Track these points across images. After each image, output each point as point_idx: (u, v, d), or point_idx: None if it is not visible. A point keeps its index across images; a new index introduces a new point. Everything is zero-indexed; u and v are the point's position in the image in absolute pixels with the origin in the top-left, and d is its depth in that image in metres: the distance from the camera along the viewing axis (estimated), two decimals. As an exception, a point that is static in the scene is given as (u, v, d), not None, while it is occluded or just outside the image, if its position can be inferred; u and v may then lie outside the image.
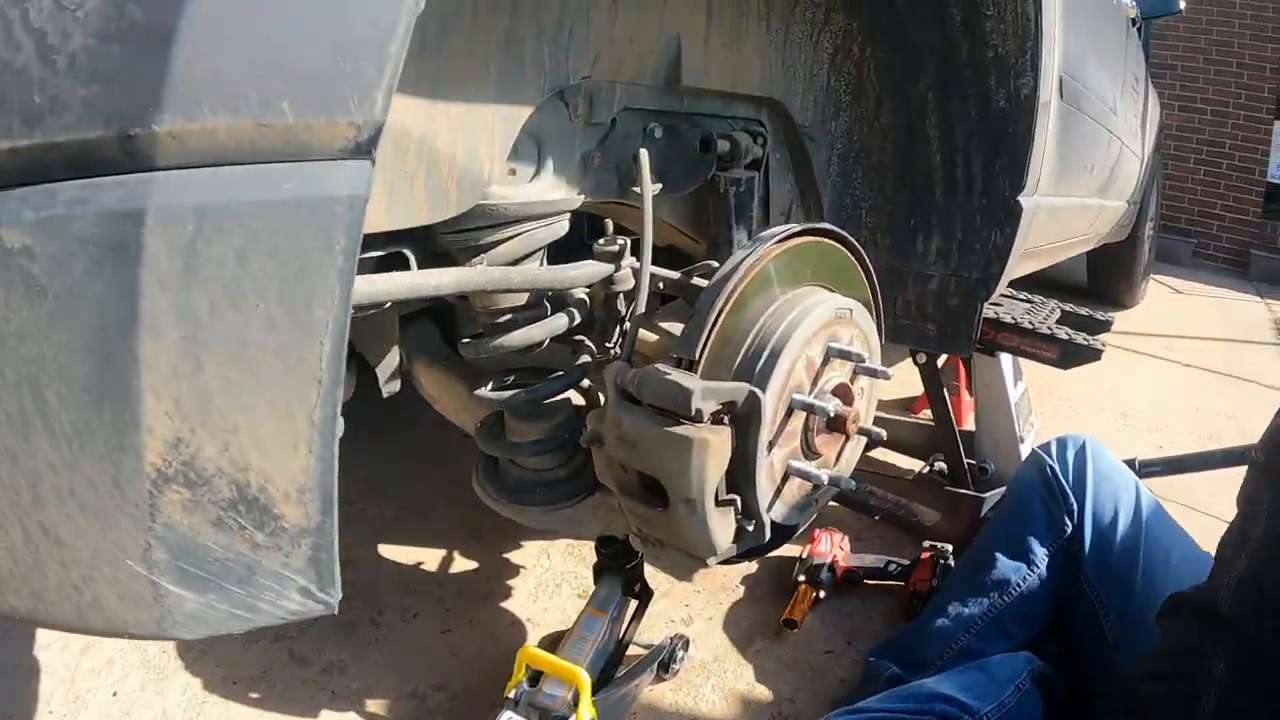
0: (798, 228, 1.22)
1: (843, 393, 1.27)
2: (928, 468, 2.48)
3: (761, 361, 1.14)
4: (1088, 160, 2.53)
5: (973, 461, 2.31)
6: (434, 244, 1.26)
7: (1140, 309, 5.21)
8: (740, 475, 1.14)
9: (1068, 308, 2.41)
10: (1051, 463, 1.76)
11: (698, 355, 1.11)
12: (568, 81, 1.22)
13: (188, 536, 0.65)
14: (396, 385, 1.59)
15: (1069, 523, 1.70)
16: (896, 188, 1.81)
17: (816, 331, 1.18)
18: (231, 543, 0.67)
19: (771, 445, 1.17)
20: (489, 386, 1.44)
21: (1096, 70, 2.53)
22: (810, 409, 1.19)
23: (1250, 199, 7.80)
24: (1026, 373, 2.49)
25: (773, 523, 1.23)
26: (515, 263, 1.25)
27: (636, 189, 1.33)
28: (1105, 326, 2.35)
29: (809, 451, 1.27)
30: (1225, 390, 3.98)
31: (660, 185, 1.39)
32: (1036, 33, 1.55)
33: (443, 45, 1.05)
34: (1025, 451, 2.25)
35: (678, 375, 1.08)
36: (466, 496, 1.56)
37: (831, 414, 1.19)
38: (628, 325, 1.46)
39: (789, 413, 1.19)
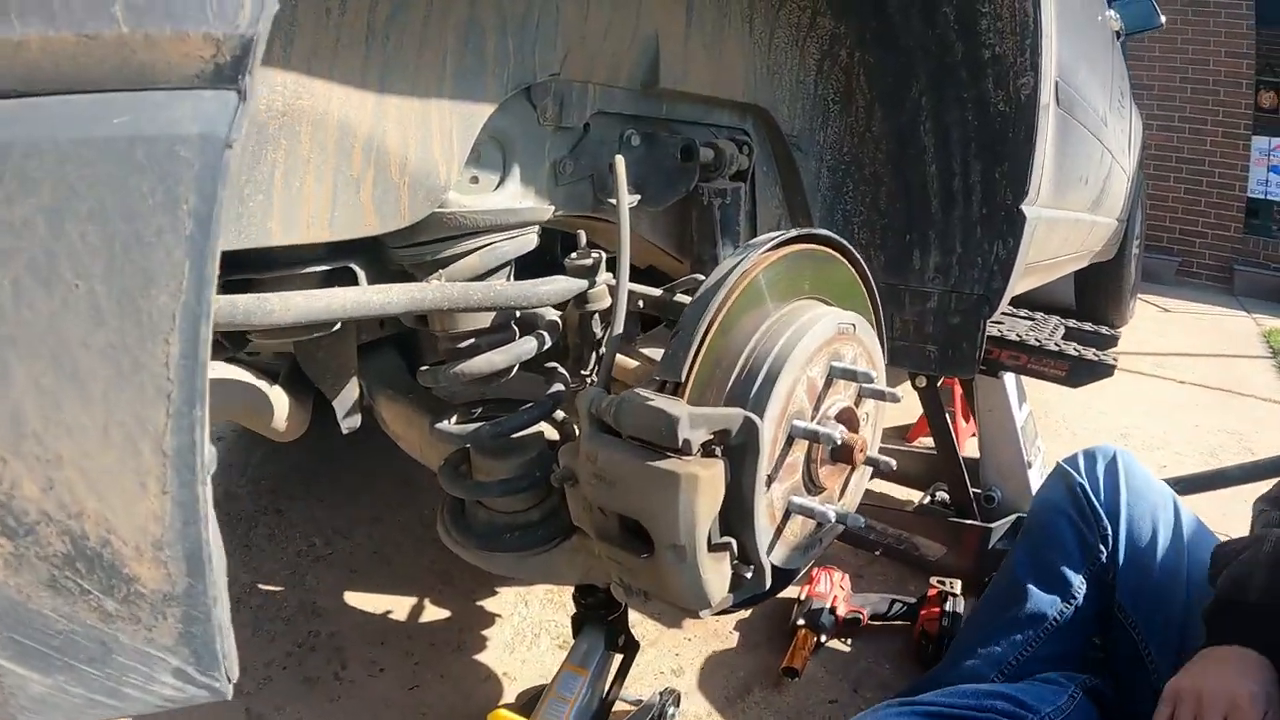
0: (792, 233, 1.09)
1: (848, 418, 1.15)
2: (928, 498, 2.35)
3: (757, 384, 1.00)
4: (1082, 172, 2.43)
5: (977, 490, 2.18)
6: (386, 260, 1.14)
7: (1129, 328, 5.14)
8: (736, 515, 1.01)
9: (1071, 324, 2.31)
10: (1080, 480, 1.59)
11: (684, 377, 0.97)
12: (534, 78, 1.11)
13: (16, 601, 0.50)
14: (356, 421, 1.45)
15: (1103, 549, 1.53)
16: (891, 200, 1.70)
17: (818, 349, 1.05)
18: (74, 611, 0.52)
19: (770, 479, 1.03)
20: (451, 420, 1.30)
21: (1088, 78, 2.44)
22: (814, 437, 1.05)
23: (1232, 215, 7.83)
24: (1021, 394, 2.37)
25: (773, 566, 1.09)
26: (478, 279, 1.12)
27: (612, 200, 1.20)
28: (1112, 341, 2.24)
29: (811, 485, 1.14)
30: (1222, 405, 3.92)
31: (638, 197, 1.27)
32: (1036, 30, 1.45)
33: (393, 31, 0.94)
34: (1034, 478, 2.12)
35: (661, 401, 0.95)
36: (437, 538, 1.41)
37: (838, 442, 1.06)
38: (604, 350, 1.33)
39: (789, 442, 1.06)
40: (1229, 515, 2.48)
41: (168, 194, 0.47)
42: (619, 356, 1.22)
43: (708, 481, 0.93)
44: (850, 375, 1.10)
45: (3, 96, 0.43)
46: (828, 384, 1.10)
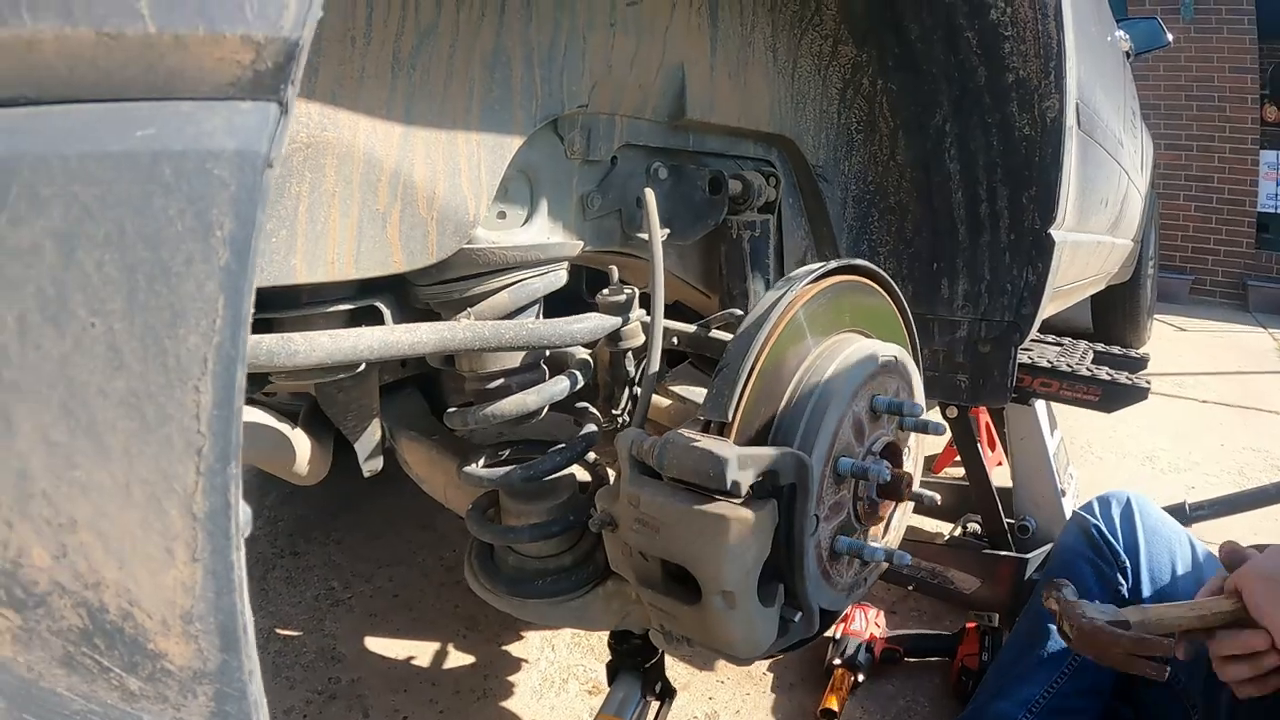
0: (832, 264, 1.07)
1: (893, 452, 1.11)
2: (958, 529, 2.30)
3: (804, 422, 0.97)
4: (1103, 194, 2.41)
5: (1011, 520, 2.13)
6: (411, 298, 1.11)
7: (1147, 350, 5.08)
8: (784, 557, 0.97)
9: (1099, 348, 2.27)
10: (1096, 522, 1.61)
11: (731, 417, 0.94)
12: (562, 110, 1.08)
13: (26, 680, 0.43)
14: (379, 464, 1.41)
15: (1123, 581, 1.54)
16: (917, 229, 1.67)
17: (863, 384, 1.02)
18: (92, 690, 0.44)
19: (818, 519, 1.00)
20: (479, 463, 1.26)
21: (1104, 100, 2.42)
22: (862, 474, 1.02)
23: (1243, 230, 7.81)
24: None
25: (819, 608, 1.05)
26: (507, 317, 1.09)
27: (642, 235, 1.18)
28: (1142, 364, 2.20)
29: (857, 522, 1.10)
30: (1245, 423, 3.87)
31: (667, 231, 1.24)
32: (1060, 52, 1.42)
33: (419, 61, 0.92)
34: (1068, 506, 2.08)
35: (708, 442, 0.91)
36: (461, 581, 1.37)
37: (885, 479, 1.02)
38: (638, 388, 1.30)
39: (836, 479, 1.02)
40: (1259, 533, 2.44)
41: (199, 218, 0.41)
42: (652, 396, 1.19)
43: (759, 525, 0.89)
44: (895, 409, 1.06)
45: (10, 104, 0.37)
46: (872, 418, 1.07)
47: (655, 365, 1.07)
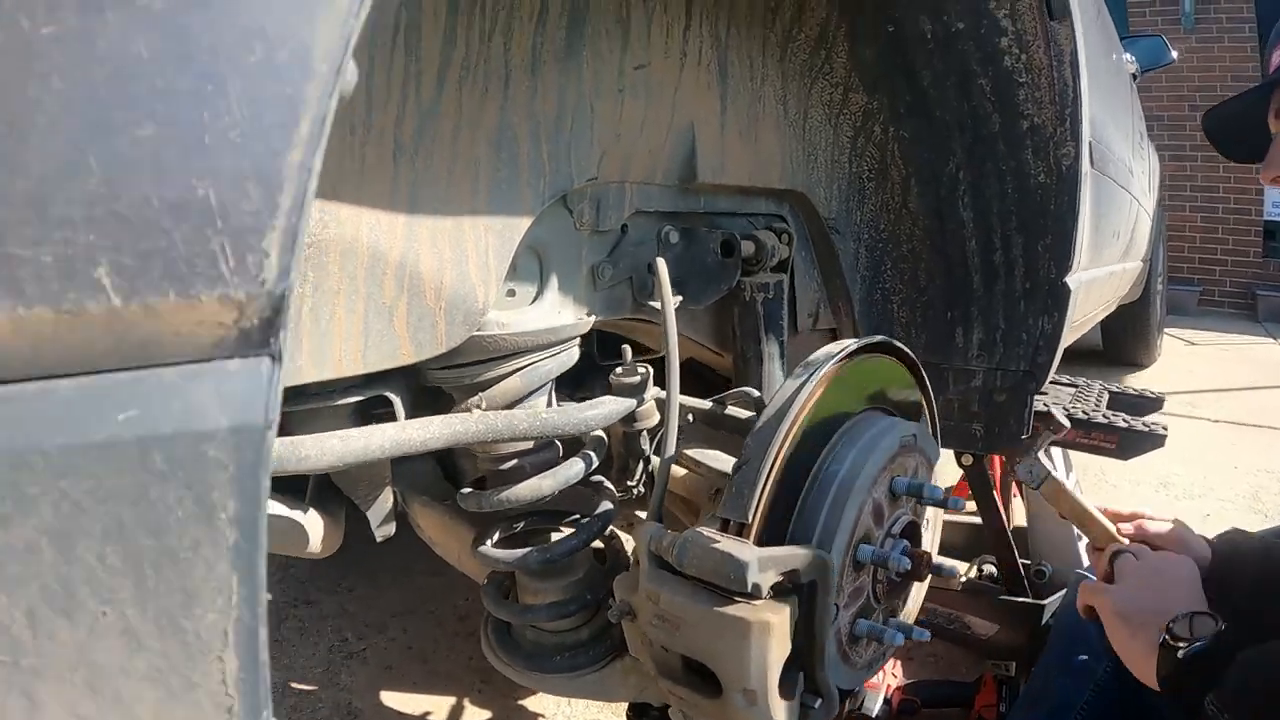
0: (851, 346, 1.04)
1: (912, 531, 1.09)
2: (975, 570, 2.27)
3: (824, 514, 0.94)
4: (1115, 226, 2.38)
5: (1026, 561, 2.10)
6: (422, 378, 1.09)
7: (1157, 366, 5.07)
8: (805, 649, 0.95)
9: (1114, 388, 2.23)
10: None
11: (751, 518, 0.91)
12: (571, 185, 1.06)
13: None
14: (391, 529, 1.39)
15: None
16: (930, 277, 1.65)
17: (882, 469, 0.99)
18: None
19: (837, 608, 0.97)
20: (494, 539, 1.24)
21: (1114, 130, 2.40)
22: (882, 563, 0.99)
23: (1250, 239, 7.78)
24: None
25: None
26: (520, 400, 1.07)
27: (654, 303, 1.16)
28: (1158, 404, 2.17)
29: (876, 603, 1.08)
30: (1259, 443, 3.84)
31: (679, 297, 1.22)
32: (1075, 98, 1.40)
33: (422, 146, 0.90)
34: (1084, 551, 2.04)
35: (728, 544, 0.89)
36: (475, 632, 1.34)
37: (905, 568, 1.00)
38: (653, 460, 1.28)
39: (857, 567, 1.00)
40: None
41: (199, 503, 0.38)
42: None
43: (779, 627, 0.87)
44: (916, 491, 1.04)
45: None
46: (891, 499, 1.05)
47: (672, 448, 1.05)
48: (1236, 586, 1.17)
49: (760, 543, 0.91)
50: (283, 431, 1.02)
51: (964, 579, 2.27)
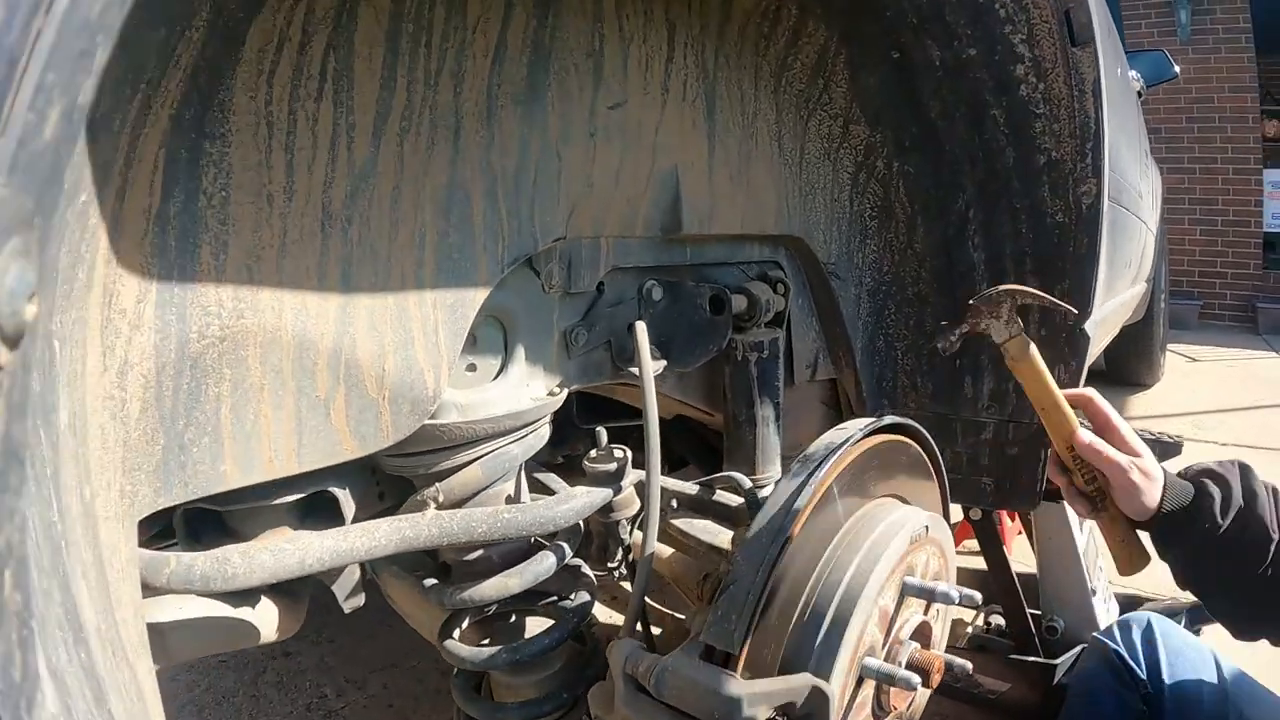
0: (856, 433, 0.91)
1: (923, 634, 0.96)
2: (980, 619, 2.14)
3: (823, 633, 0.82)
4: (1128, 256, 2.27)
5: (1035, 612, 1.97)
6: (374, 467, 0.96)
7: (1160, 386, 4.96)
8: (803, 782, 0.82)
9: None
10: (1117, 648, 1.50)
11: (738, 649, 0.78)
12: (535, 248, 0.94)
13: None
14: (360, 600, 1.27)
15: (1145, 707, 1.43)
16: (938, 322, 1.52)
17: (890, 574, 0.87)
18: None
19: (840, 733, 0.84)
20: (462, 628, 1.11)
21: (1126, 154, 2.29)
22: (889, 680, 0.86)
23: (1250, 251, 7.69)
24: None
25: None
26: (482, 490, 0.95)
27: (633, 369, 1.03)
28: (1176, 449, 2.05)
29: (880, 711, 0.95)
30: (1266, 466, 3.67)
31: (663, 363, 1.09)
32: (1098, 132, 1.27)
33: (355, 213, 0.78)
34: (1099, 606, 1.92)
35: (713, 676, 0.76)
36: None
37: (914, 684, 0.87)
38: (633, 540, 1.15)
39: (859, 681, 0.87)
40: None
41: None
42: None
43: (774, 771, 0.74)
44: (927, 595, 0.91)
45: None
46: (900, 603, 0.92)
47: (652, 542, 0.92)
48: None
49: (750, 669, 0.79)
50: (222, 530, 0.91)
51: (969, 629, 2.15)
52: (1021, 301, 1.18)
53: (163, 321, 0.67)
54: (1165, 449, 2.07)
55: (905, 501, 1.04)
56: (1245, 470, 1.15)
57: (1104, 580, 2.07)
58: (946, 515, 1.11)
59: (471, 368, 0.94)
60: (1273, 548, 1.07)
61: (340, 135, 0.76)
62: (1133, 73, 3.34)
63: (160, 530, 0.93)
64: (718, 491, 1.09)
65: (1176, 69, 4.06)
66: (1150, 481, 1.11)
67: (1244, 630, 1.18)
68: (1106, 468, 1.13)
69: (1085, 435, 1.15)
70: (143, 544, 0.87)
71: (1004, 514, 2.46)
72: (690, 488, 1.10)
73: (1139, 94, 3.48)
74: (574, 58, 0.96)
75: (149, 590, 0.76)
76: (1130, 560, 1.18)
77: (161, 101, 0.64)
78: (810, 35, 1.26)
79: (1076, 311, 1.30)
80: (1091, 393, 1.17)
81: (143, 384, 0.67)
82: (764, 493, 1.05)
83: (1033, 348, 1.18)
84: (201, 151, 0.69)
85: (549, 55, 0.93)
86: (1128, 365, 4.69)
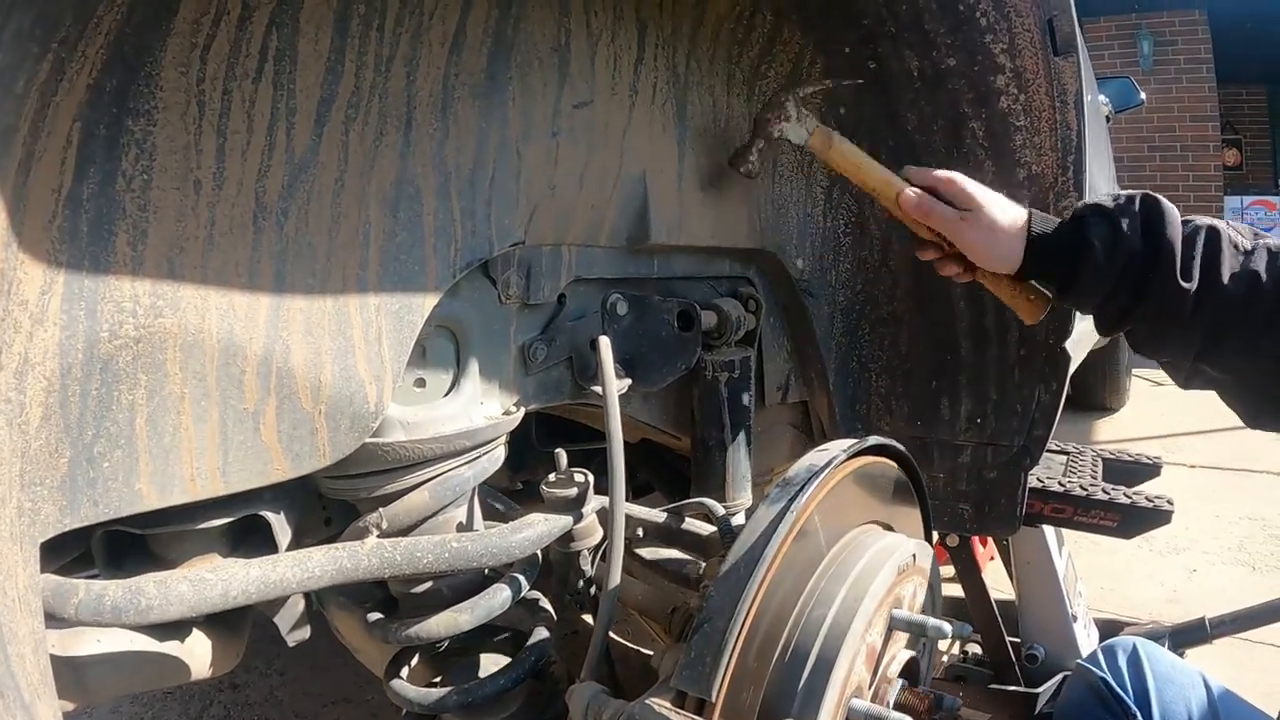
0: (841, 454, 0.85)
1: (911, 670, 0.89)
2: (958, 647, 2.08)
3: (807, 673, 0.75)
4: (1100, 276, 2.23)
5: (1014, 639, 1.92)
6: (313, 489, 0.89)
7: (1127, 409, 4.96)
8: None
9: (1108, 454, 2.07)
10: (1103, 675, 1.43)
11: (714, 696, 0.71)
12: (491, 252, 0.87)
13: None
14: (305, 633, 1.18)
15: None
16: (913, 342, 1.46)
17: (876, 610, 0.80)
18: None
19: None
20: (411, 665, 1.03)
21: (1099, 175, 2.27)
22: (878, 723, 0.79)
23: (1212, 274, 7.77)
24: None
25: None
26: (430, 516, 0.87)
27: (596, 388, 0.96)
28: (1155, 471, 2.01)
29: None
30: (1239, 487, 3.76)
31: (628, 381, 1.02)
32: (1079, 145, 1.23)
33: (292, 205, 0.70)
34: (1079, 631, 1.87)
35: (685, 725, 0.69)
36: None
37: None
38: (595, 571, 1.07)
39: (845, 722, 0.80)
40: None
41: None
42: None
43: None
44: (917, 630, 0.84)
45: None
46: (888, 638, 0.85)
47: (616, 578, 0.85)
48: None
49: (726, 716, 0.71)
50: (146, 556, 0.83)
51: (945, 658, 2.10)
52: (804, 94, 1.13)
53: (70, 317, 0.60)
54: (1143, 471, 2.03)
55: (889, 528, 0.98)
56: (1150, 202, 1.04)
57: (1084, 606, 2.03)
58: (929, 541, 1.05)
59: (420, 382, 0.87)
60: (1190, 299, 0.95)
61: (279, 120, 0.69)
62: (1102, 98, 3.35)
63: (83, 554, 0.86)
64: (687, 519, 1.02)
65: (1143, 95, 4.09)
66: (990, 231, 1.04)
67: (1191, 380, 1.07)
68: (938, 224, 1.09)
69: (911, 195, 1.09)
70: (58, 570, 0.79)
71: (976, 540, 2.41)
72: (657, 515, 1.03)
73: (1107, 119, 3.49)
74: (538, 51, 0.90)
75: (57, 621, 0.68)
76: (1028, 309, 1.13)
77: (78, 67, 0.58)
78: (785, 42, 1.21)
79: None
80: (953, 174, 1.08)
81: (45, 387, 0.59)
82: (736, 521, 0.99)
83: (836, 136, 1.13)
84: (123, 129, 0.62)
85: (511, 47, 0.87)
86: (1094, 389, 4.69)
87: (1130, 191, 1.06)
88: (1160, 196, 1.03)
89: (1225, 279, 0.93)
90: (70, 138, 0.59)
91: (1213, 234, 0.96)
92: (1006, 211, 1.06)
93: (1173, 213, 1.00)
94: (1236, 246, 0.96)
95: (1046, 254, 1.05)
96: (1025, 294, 1.11)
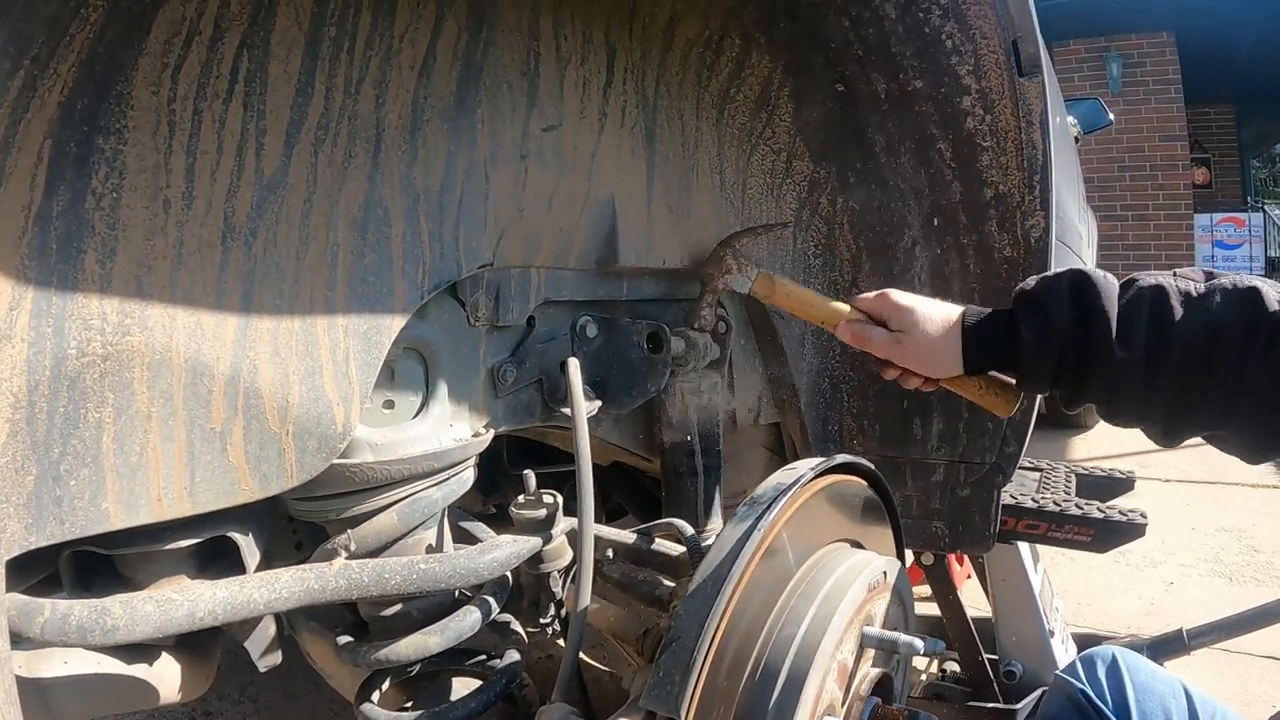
0: (809, 472, 0.85)
1: (884, 687, 0.89)
2: (935, 664, 2.08)
3: (778, 692, 0.75)
4: (1071, 295, 2.25)
5: (991, 656, 1.93)
6: (280, 511, 0.88)
7: (1102, 427, 5.00)
8: None
9: (1081, 470, 2.09)
10: (1082, 686, 1.42)
11: (683, 715, 0.71)
12: (459, 274, 0.87)
13: None
14: (277, 658, 1.17)
15: None
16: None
17: (847, 627, 0.80)
18: None
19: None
20: (382, 689, 1.02)
21: (1068, 196, 2.29)
22: (849, 743, 0.79)
23: (1181, 294, 7.87)
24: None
25: None
26: (399, 538, 0.87)
27: (566, 410, 0.96)
28: (1129, 485, 2.03)
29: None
30: (1212, 500, 3.80)
31: (598, 403, 1.03)
32: (1045, 164, 1.24)
33: (261, 225, 0.71)
34: (1056, 647, 1.87)
35: (654, 746, 0.68)
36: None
37: (878, 747, 0.80)
38: (566, 593, 1.07)
39: (817, 743, 0.80)
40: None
41: None
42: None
43: None
44: (889, 646, 0.84)
45: None
46: (860, 656, 0.85)
47: (585, 598, 0.84)
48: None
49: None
50: (114, 577, 0.82)
51: (923, 676, 2.10)
52: (740, 245, 1.16)
53: (37, 334, 0.60)
54: (1116, 485, 2.05)
55: (860, 546, 0.98)
56: (1078, 279, 1.00)
57: (1061, 621, 2.03)
58: (901, 558, 1.05)
59: (389, 404, 0.87)
60: (1137, 364, 0.93)
61: (249, 140, 0.69)
62: (1070, 119, 3.39)
63: (51, 575, 0.85)
64: (657, 540, 1.01)
65: (1111, 116, 4.14)
66: (925, 344, 1.04)
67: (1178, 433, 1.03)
68: (876, 351, 1.09)
69: (845, 329, 1.11)
70: (26, 590, 0.78)
71: (952, 557, 2.42)
72: (627, 536, 1.03)
73: (1075, 139, 3.53)
74: (507, 75, 0.91)
75: (22, 641, 0.68)
76: (998, 404, 1.12)
77: (50, 85, 0.58)
78: (754, 66, 1.22)
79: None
80: (883, 293, 1.10)
81: (11, 404, 0.59)
82: (707, 542, 0.99)
83: (778, 278, 1.15)
84: (93, 147, 0.62)
85: (480, 71, 0.88)
86: (1067, 408, 4.73)
87: (1060, 271, 1.04)
88: (1091, 271, 1.01)
89: (1179, 332, 0.92)
90: (41, 155, 0.59)
91: (1157, 292, 0.95)
92: (936, 320, 1.06)
93: (1106, 284, 0.98)
94: (1188, 294, 0.94)
95: (986, 351, 1.04)
96: (991, 389, 1.11)
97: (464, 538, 1.03)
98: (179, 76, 0.66)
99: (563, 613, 1.05)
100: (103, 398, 0.64)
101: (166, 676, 1.11)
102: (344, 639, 0.95)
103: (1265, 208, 8.86)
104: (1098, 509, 1.75)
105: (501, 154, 0.91)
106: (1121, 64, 7.83)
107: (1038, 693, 1.83)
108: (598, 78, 1.03)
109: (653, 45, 1.10)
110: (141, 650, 1.09)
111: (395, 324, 0.80)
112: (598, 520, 0.94)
